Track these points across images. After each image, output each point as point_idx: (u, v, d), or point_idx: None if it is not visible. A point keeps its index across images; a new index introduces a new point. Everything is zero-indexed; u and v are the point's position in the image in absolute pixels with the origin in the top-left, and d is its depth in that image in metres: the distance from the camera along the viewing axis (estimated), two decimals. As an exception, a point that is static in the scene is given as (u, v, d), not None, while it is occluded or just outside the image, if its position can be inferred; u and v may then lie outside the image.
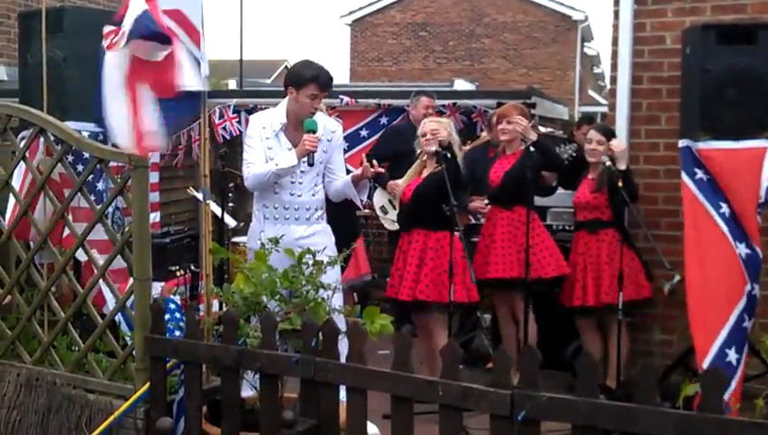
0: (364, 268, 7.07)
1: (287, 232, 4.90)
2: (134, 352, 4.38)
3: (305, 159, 4.95)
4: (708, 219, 5.10)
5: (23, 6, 9.76)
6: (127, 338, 4.60)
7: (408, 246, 5.79)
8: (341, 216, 6.52)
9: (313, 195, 5.14)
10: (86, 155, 4.84)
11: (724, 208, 5.06)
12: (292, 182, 5.05)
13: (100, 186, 5.31)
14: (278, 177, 4.98)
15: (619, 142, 5.90)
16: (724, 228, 5.06)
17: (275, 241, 4.35)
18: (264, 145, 5.05)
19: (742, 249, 5.03)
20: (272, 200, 5.08)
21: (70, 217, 4.67)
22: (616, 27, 6.30)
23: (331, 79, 5.13)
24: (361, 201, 5.54)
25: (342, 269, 6.57)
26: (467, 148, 6.69)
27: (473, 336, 6.98)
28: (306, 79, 5.02)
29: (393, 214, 7.00)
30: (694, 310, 5.05)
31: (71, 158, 4.95)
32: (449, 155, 5.57)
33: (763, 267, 5.39)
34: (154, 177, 7.97)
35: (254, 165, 5.02)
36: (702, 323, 5.04)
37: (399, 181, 6.43)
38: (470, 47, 26.09)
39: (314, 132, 4.98)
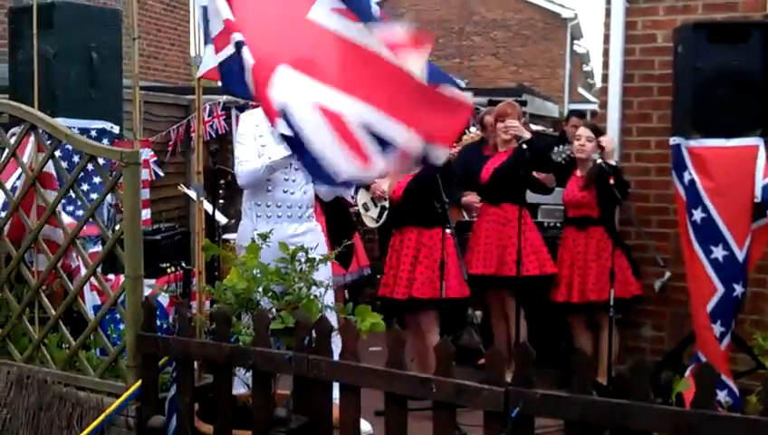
0: (363, 261, 7.08)
1: (280, 229, 4.88)
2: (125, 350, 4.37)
3: None
4: (685, 223, 5.18)
5: (13, 2, 9.70)
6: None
7: (400, 244, 5.78)
8: (337, 212, 6.52)
9: (305, 193, 5.12)
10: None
11: (696, 215, 5.10)
12: (285, 180, 5.03)
13: (96, 180, 5.30)
14: (272, 170, 4.94)
15: (610, 138, 5.92)
16: (692, 235, 5.12)
17: (264, 237, 4.33)
18: (258, 143, 5.02)
19: (717, 252, 5.06)
20: (264, 198, 5.05)
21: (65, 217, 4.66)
22: (607, 25, 6.31)
23: None
24: (352, 197, 5.52)
25: (345, 265, 6.61)
26: (455, 148, 6.68)
27: (462, 333, 6.98)
28: None
29: (374, 211, 6.99)
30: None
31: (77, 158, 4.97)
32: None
33: (757, 264, 5.44)
34: (145, 173, 7.96)
35: (247, 162, 4.99)
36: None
37: (382, 180, 6.42)
38: (460, 45, 26.08)
39: None
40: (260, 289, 4.15)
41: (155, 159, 8.53)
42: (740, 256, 5.10)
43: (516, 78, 23.35)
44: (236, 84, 4.46)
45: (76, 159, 5.15)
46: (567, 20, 26.21)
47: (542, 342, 6.03)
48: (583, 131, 5.95)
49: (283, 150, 4.89)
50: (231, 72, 4.46)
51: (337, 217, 6.54)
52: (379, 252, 7.16)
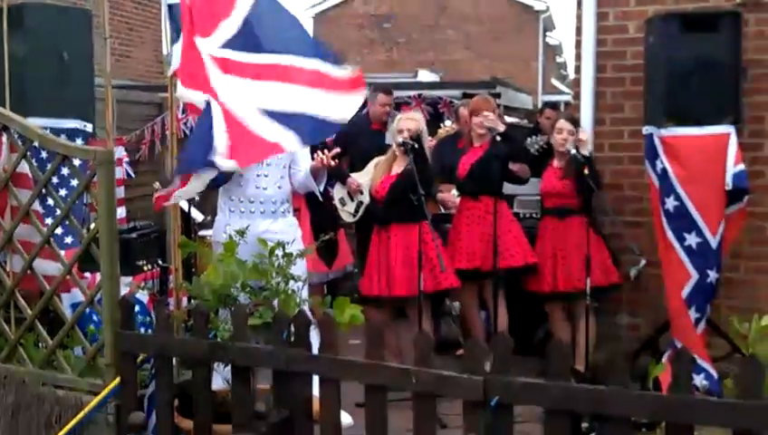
0: (347, 259, 7.09)
1: (254, 225, 4.86)
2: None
3: None
4: (658, 211, 5.23)
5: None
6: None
7: (387, 241, 5.77)
8: (321, 209, 6.52)
9: (279, 187, 5.11)
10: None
11: (669, 203, 5.17)
12: (258, 175, 5.01)
13: (74, 183, 5.27)
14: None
15: (584, 131, 5.96)
16: (665, 223, 5.19)
17: (241, 233, 4.33)
18: None
19: (691, 239, 5.12)
20: (237, 193, 5.03)
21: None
22: (579, 17, 6.35)
23: None
24: (320, 192, 5.52)
25: (328, 262, 6.60)
26: (432, 141, 6.70)
27: (440, 323, 7.00)
28: None
29: (351, 206, 6.99)
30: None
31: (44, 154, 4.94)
32: (416, 145, 5.59)
33: (732, 250, 5.51)
34: (119, 172, 7.92)
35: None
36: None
37: (357, 175, 6.43)
38: (433, 39, 26.09)
39: None
40: (237, 285, 4.15)
41: (127, 158, 8.50)
42: (713, 242, 5.16)
43: (490, 71, 23.29)
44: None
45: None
46: (539, 12, 26.32)
47: (521, 331, 6.09)
48: (564, 124, 5.96)
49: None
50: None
51: (321, 213, 6.55)
52: (356, 248, 7.16)
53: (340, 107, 4.62)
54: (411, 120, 5.83)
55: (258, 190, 5.02)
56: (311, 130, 4.57)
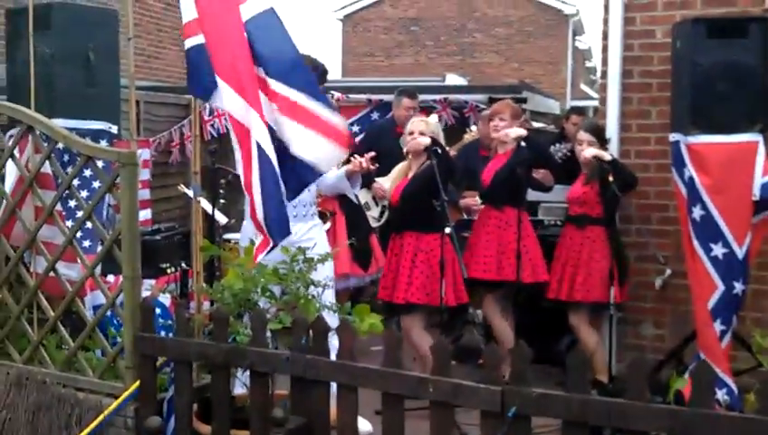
0: (382, 262, 7.11)
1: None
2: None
3: None
4: (686, 220, 5.16)
5: (14, 3, 9.71)
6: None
7: (399, 248, 5.74)
8: (353, 213, 6.52)
9: (309, 190, 5.12)
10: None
11: (696, 212, 5.08)
12: None
13: (96, 185, 5.30)
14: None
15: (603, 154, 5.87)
16: (692, 232, 5.11)
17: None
18: None
19: (717, 250, 5.04)
20: None
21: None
22: (606, 21, 6.28)
23: (326, 72, 5.11)
24: (354, 195, 5.52)
25: (364, 266, 6.61)
26: (454, 149, 6.68)
27: (463, 332, 6.96)
28: None
29: (375, 211, 6.99)
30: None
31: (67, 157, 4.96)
32: (439, 150, 5.55)
33: (758, 262, 5.43)
34: (145, 174, 7.96)
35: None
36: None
37: (383, 180, 6.40)
38: (462, 42, 26.05)
39: None
40: (258, 289, 4.14)
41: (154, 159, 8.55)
42: (740, 253, 5.07)
43: (518, 75, 23.31)
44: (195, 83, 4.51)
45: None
46: (569, 16, 26.17)
47: (548, 340, 6.04)
48: (583, 136, 5.91)
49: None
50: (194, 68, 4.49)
51: (355, 217, 6.55)
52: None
53: (327, 156, 4.42)
54: (422, 122, 5.78)
55: None
56: (298, 177, 4.41)
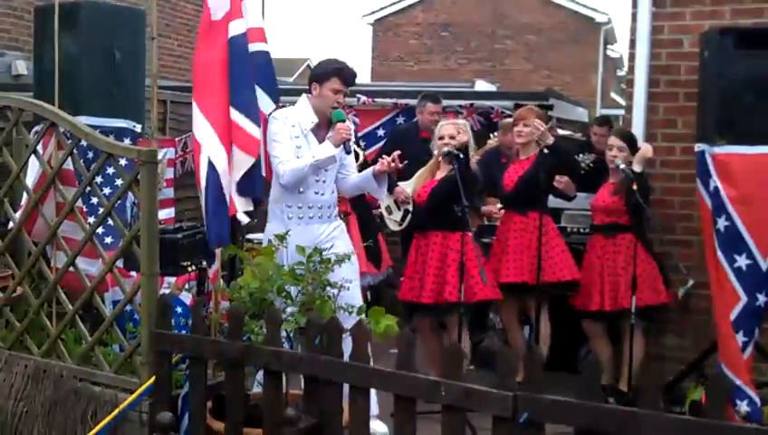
0: (387, 262, 7.12)
1: (311, 231, 4.92)
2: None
3: (342, 148, 4.94)
4: (710, 231, 5.09)
5: (42, 1, 9.82)
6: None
7: (425, 248, 5.74)
8: (361, 212, 6.53)
9: (332, 192, 5.13)
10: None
11: (720, 223, 5.02)
12: (317, 181, 5.01)
13: (119, 182, 5.33)
14: (316, 169, 4.93)
15: (647, 148, 5.84)
16: (716, 243, 5.04)
17: (281, 238, 4.34)
18: (293, 143, 4.98)
19: (741, 261, 4.98)
20: (296, 200, 5.00)
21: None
22: (633, 30, 6.25)
23: (355, 75, 5.09)
24: (382, 195, 5.52)
25: (377, 265, 6.62)
26: (477, 154, 6.66)
27: (484, 337, 6.94)
28: (329, 72, 4.99)
29: (397, 215, 6.99)
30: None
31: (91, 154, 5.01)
32: (461, 156, 5.54)
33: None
34: (169, 172, 8.01)
35: (288, 161, 4.91)
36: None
37: (405, 184, 6.41)
38: (492, 48, 26.00)
39: (343, 121, 4.94)
40: (274, 289, 4.15)
41: (181, 158, 8.58)
42: (763, 265, 5.01)
43: (548, 82, 23.22)
44: None
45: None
46: (600, 24, 26.03)
47: (567, 348, 6.01)
48: (614, 141, 5.89)
49: (327, 148, 4.88)
50: None
51: (366, 217, 6.57)
52: (401, 254, 7.15)
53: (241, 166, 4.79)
54: (452, 126, 5.77)
55: (317, 196, 5.02)
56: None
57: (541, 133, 5.84)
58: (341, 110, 4.99)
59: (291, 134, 4.97)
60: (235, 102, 4.76)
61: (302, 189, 4.98)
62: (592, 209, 6.08)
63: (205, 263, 5.67)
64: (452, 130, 5.71)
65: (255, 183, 4.87)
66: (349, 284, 4.49)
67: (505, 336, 6.72)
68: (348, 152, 4.99)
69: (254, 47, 4.97)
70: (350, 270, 4.74)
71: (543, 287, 5.81)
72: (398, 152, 5.04)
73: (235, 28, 4.78)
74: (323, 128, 5.01)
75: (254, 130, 4.78)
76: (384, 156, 5.09)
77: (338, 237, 5.01)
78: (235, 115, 4.74)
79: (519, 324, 6.24)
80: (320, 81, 5.00)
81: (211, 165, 4.63)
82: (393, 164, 4.99)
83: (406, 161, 5.34)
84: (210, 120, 4.74)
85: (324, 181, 5.03)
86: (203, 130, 4.76)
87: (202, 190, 4.66)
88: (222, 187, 4.63)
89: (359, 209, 6.40)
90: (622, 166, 5.66)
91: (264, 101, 5.04)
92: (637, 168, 5.69)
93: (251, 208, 4.99)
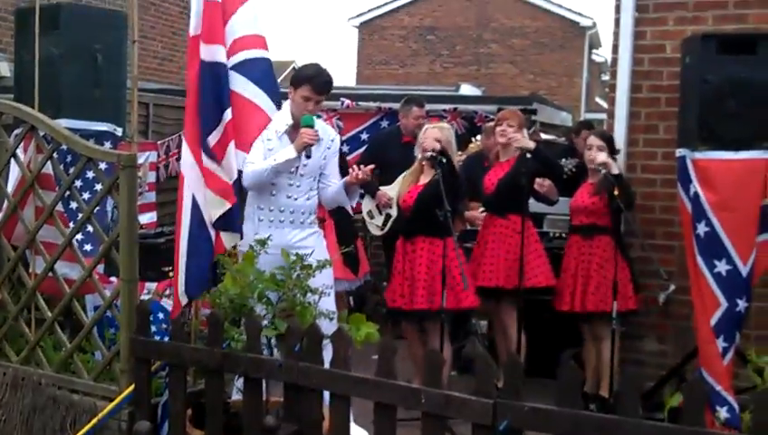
0: (365, 268, 7.09)
1: (282, 235, 4.85)
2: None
3: (303, 153, 4.89)
4: (690, 236, 5.10)
5: (26, 2, 9.76)
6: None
7: (413, 254, 5.72)
8: (340, 219, 6.50)
9: (308, 199, 5.06)
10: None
11: (700, 229, 5.02)
12: (290, 185, 4.98)
13: (98, 187, 5.29)
14: (277, 173, 4.87)
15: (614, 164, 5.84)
16: (696, 249, 5.05)
17: (262, 243, 4.31)
18: (265, 146, 4.97)
19: (721, 267, 4.99)
20: (268, 203, 5.00)
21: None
22: (616, 35, 6.26)
23: (329, 83, 5.04)
24: (351, 206, 5.49)
25: (354, 271, 6.60)
26: (461, 157, 6.65)
27: (465, 343, 6.93)
28: (302, 79, 4.98)
29: (379, 219, 6.97)
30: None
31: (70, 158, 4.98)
32: (444, 160, 5.53)
33: (763, 280, 5.37)
34: (151, 176, 7.97)
35: (252, 163, 4.90)
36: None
37: (387, 189, 6.38)
38: (477, 52, 26.03)
39: (311, 127, 4.91)
40: (254, 295, 4.12)
41: (164, 162, 8.55)
42: (743, 271, 5.02)
43: (533, 86, 23.28)
44: None
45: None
46: (585, 29, 26.12)
47: (546, 353, 5.99)
48: (594, 141, 5.90)
49: (288, 151, 4.85)
50: None
51: (340, 223, 6.53)
52: (384, 259, 7.14)
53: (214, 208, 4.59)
54: (438, 130, 5.76)
55: (289, 200, 4.98)
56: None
57: (518, 141, 5.85)
58: (313, 115, 4.97)
59: (264, 136, 4.97)
60: (205, 146, 4.60)
61: (273, 192, 4.95)
62: (571, 210, 6.07)
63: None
64: (437, 133, 5.69)
65: (235, 216, 4.69)
66: (329, 290, 4.48)
67: (489, 341, 6.72)
68: (308, 156, 4.91)
69: (254, 54, 4.93)
70: (325, 275, 4.72)
71: (521, 292, 5.80)
72: (371, 166, 5.03)
73: (209, 53, 4.61)
74: (298, 131, 4.99)
75: (223, 174, 4.62)
76: (355, 166, 5.07)
77: (312, 245, 4.95)
78: (207, 163, 4.58)
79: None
80: (294, 85, 5.00)
81: (195, 202, 4.52)
82: (362, 176, 4.97)
83: (378, 172, 5.32)
84: (194, 152, 4.60)
85: (299, 186, 4.98)
86: (188, 163, 4.61)
87: (183, 229, 4.50)
88: (207, 225, 4.53)
89: (336, 215, 6.37)
90: (603, 171, 5.66)
91: (268, 105, 5.00)
92: (614, 170, 5.69)
93: (239, 241, 4.81)
